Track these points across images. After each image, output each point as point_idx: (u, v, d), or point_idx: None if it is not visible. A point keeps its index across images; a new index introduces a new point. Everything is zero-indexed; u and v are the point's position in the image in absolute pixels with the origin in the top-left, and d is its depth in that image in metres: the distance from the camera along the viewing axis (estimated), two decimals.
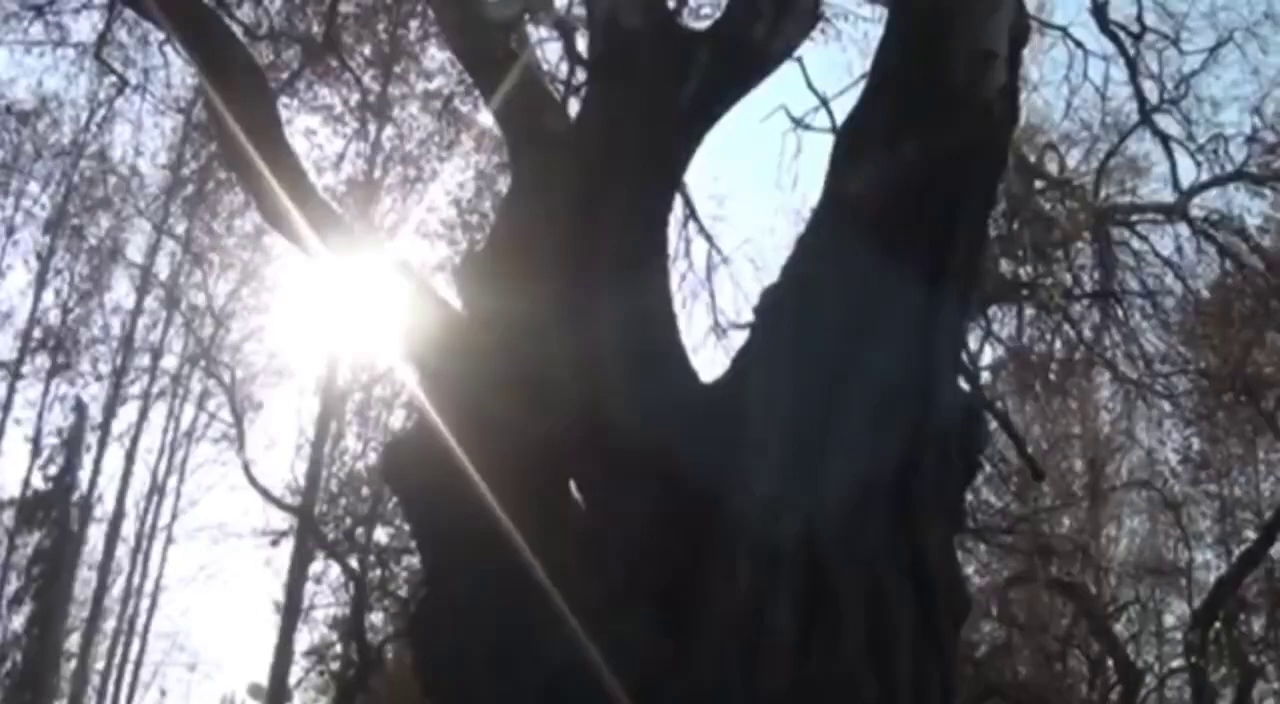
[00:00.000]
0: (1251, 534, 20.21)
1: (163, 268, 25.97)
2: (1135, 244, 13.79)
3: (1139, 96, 12.63)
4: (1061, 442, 21.24)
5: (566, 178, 6.49)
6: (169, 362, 26.98)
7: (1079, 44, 12.55)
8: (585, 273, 6.04)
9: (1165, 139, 13.08)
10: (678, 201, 9.94)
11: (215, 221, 22.23)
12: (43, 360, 26.62)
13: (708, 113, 6.72)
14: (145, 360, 26.84)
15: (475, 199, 16.88)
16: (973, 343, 12.57)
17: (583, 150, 6.61)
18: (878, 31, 7.15)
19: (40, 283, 26.08)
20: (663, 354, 5.93)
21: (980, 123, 5.07)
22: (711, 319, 12.70)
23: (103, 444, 26.82)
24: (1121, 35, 11.90)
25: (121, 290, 26.46)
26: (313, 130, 15.84)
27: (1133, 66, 12.19)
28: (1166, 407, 16.37)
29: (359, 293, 7.07)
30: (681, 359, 6.03)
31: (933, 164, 5.00)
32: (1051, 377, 14.96)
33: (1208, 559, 23.58)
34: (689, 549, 5.14)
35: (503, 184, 14.03)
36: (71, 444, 27.87)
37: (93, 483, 27.15)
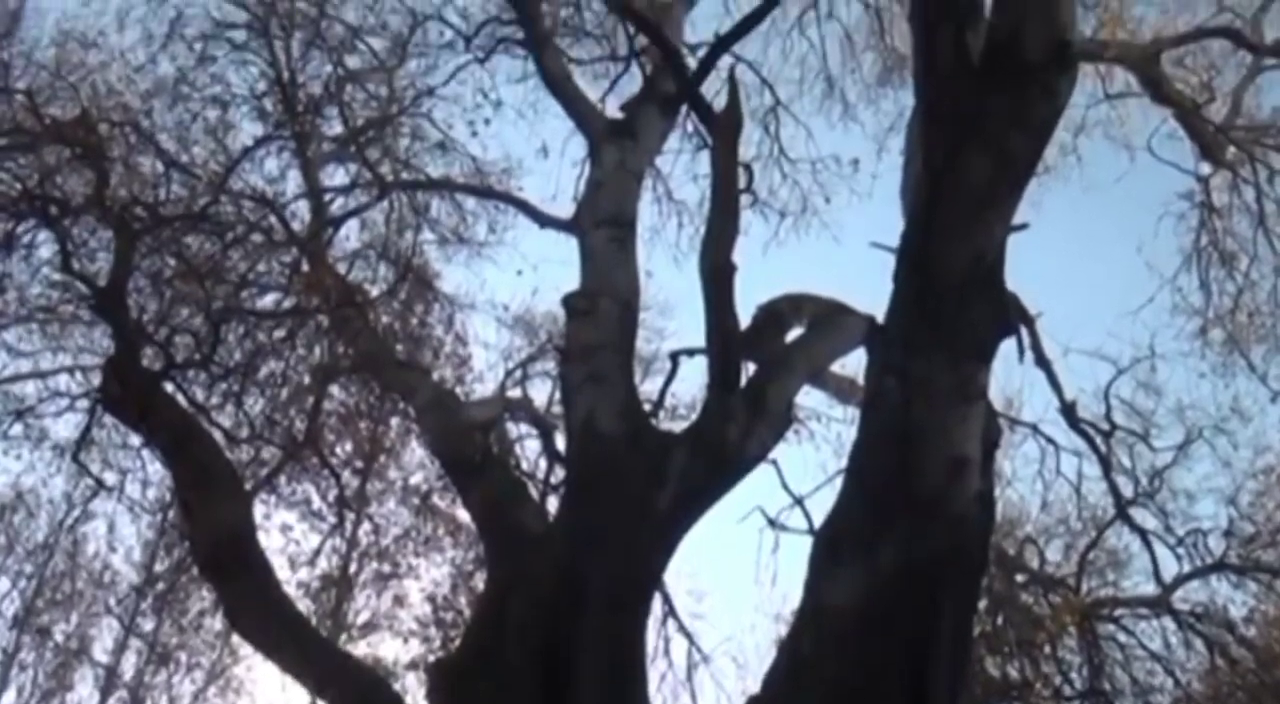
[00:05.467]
0: None
1: (128, 668, 25.30)
2: (1122, 638, 13.56)
3: (1114, 491, 12.71)
4: None
5: (543, 580, 6.41)
6: None
7: (1050, 440, 12.69)
8: (560, 681, 5.87)
9: (1143, 533, 13.08)
10: (656, 600, 9.81)
11: (184, 619, 21.83)
12: None
13: (685, 515, 6.72)
14: None
15: (451, 595, 16.62)
16: None
17: (560, 552, 6.56)
18: (850, 431, 7.23)
19: (3, 682, 25.30)
20: None
21: (956, 531, 5.02)
22: None
23: None
24: (1091, 432, 12.11)
25: (85, 690, 25.67)
26: (289, 525, 15.77)
27: (1105, 462, 12.34)
28: None
29: (325, 696, 6.89)
30: None
31: (910, 572, 4.92)
32: None
33: None
34: None
35: (479, 580, 13.87)
36: None
37: None
